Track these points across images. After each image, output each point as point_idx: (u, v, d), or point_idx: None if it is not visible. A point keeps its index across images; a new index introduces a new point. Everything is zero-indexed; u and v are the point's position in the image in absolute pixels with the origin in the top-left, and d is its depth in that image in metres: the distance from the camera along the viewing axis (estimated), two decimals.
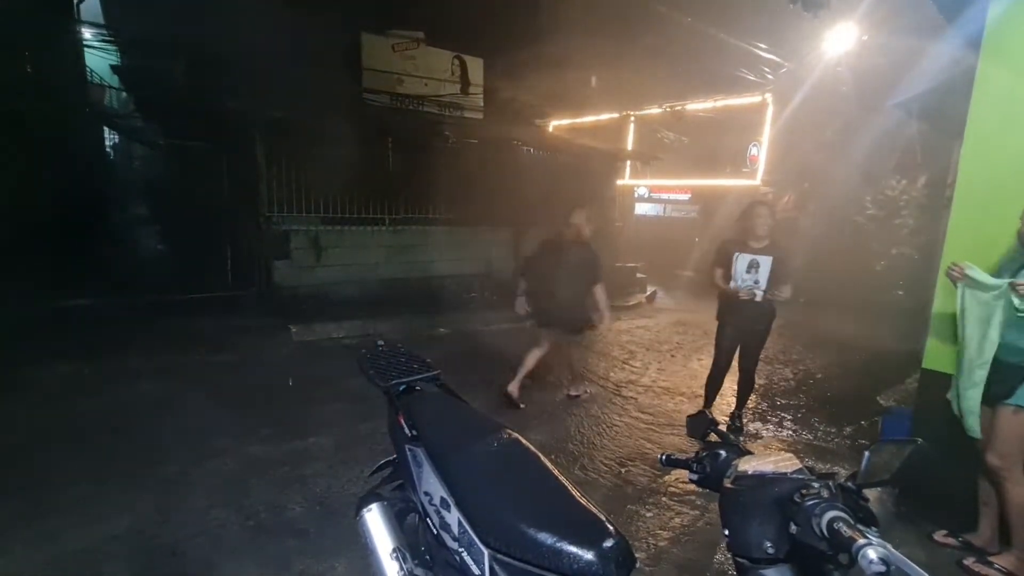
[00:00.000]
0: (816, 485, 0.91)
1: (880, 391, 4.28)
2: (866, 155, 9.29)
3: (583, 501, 1.21)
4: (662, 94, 10.92)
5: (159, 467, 2.97)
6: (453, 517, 1.32)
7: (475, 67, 9.57)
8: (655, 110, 11.25)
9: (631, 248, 11.33)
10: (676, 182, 12.85)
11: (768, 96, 9.62)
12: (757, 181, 10.07)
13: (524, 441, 1.43)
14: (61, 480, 2.78)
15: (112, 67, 7.93)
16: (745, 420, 4.07)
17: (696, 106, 10.55)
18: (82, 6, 8.22)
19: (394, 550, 1.51)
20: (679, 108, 10.71)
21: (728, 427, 3.92)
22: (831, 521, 0.83)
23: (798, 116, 9.80)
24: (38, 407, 3.67)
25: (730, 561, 1.03)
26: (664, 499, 2.91)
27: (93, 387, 4.00)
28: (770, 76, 10.32)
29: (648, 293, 9.42)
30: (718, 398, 4.09)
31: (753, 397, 4.60)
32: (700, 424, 1.35)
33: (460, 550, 1.30)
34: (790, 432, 3.96)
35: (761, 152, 9.86)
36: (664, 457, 1.32)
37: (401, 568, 1.47)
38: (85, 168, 8.04)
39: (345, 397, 3.98)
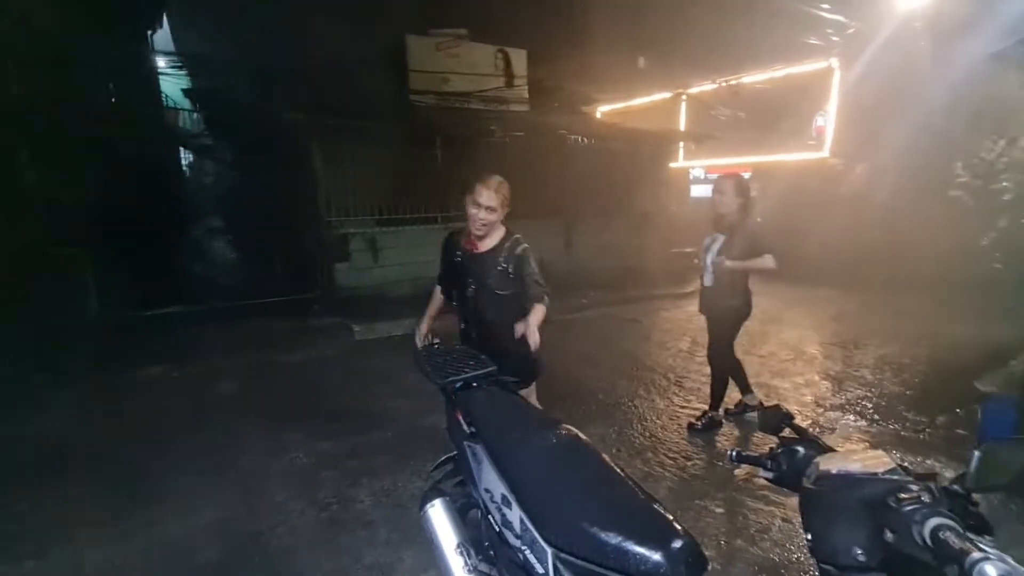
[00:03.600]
0: (915, 487, 0.82)
1: (978, 376, 3.87)
2: (951, 117, 8.41)
3: (648, 499, 1.16)
4: (716, 69, 10.38)
5: (241, 461, 3.17)
6: (515, 515, 1.31)
7: (518, 59, 9.51)
8: (709, 86, 10.72)
9: (687, 232, 10.90)
10: (734, 160, 12.21)
11: (834, 61, 8.92)
12: (825, 153, 9.38)
13: (583, 437, 1.40)
14: (157, 473, 3.04)
15: (184, 91, 8.52)
16: (719, 419, 3.58)
17: (754, 78, 9.96)
18: (155, 36, 8.89)
19: (458, 545, 1.53)
20: (735, 82, 10.15)
21: (689, 425, 3.54)
22: (936, 529, 0.73)
23: (869, 80, 9.01)
24: (134, 406, 4.03)
25: (811, 561, 0.95)
26: (735, 495, 2.78)
27: (180, 387, 4.34)
28: (836, 39, 9.54)
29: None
30: (792, 394, 3.85)
31: (829, 384, 4.31)
32: (773, 418, 1.26)
33: (523, 548, 1.29)
34: (872, 422, 3.66)
35: (828, 122, 9.17)
36: (734, 453, 1.24)
37: (466, 563, 1.49)
38: (165, 186, 8.71)
39: (406, 393, 4.09)
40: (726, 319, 3.41)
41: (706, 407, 3.62)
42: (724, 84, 10.29)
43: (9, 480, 2.97)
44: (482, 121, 8.18)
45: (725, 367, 3.54)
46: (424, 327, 2.63)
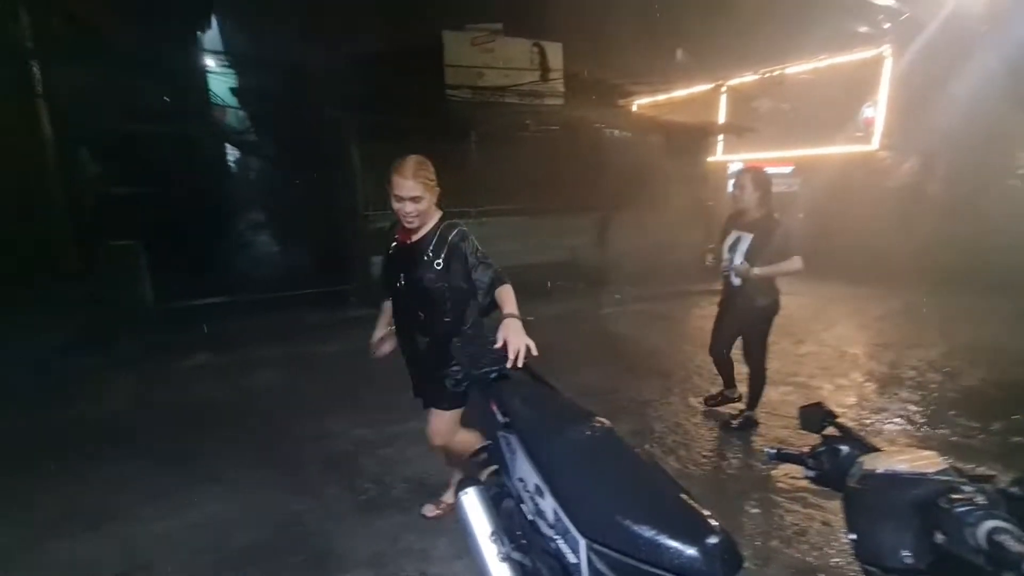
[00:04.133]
0: (969, 489, 0.79)
1: None
2: (1011, 104, 7.88)
3: (682, 495, 1.15)
4: (758, 59, 10.05)
5: (282, 446, 3.30)
6: (548, 504, 1.33)
7: (554, 52, 9.43)
8: (750, 77, 10.39)
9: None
10: (776, 154, 11.81)
11: (886, 49, 8.49)
12: (874, 146, 8.96)
13: (616, 431, 1.40)
14: (203, 455, 3.19)
15: (231, 89, 8.84)
16: (757, 419, 3.50)
17: (798, 68, 9.58)
18: (204, 36, 9.24)
19: (492, 533, 1.55)
20: (778, 73, 9.79)
21: (725, 423, 3.50)
22: (992, 532, 0.70)
23: (922, 68, 8.54)
24: (183, 391, 4.25)
25: (851, 565, 0.93)
26: (772, 496, 2.72)
27: (224, 375, 4.54)
28: (887, 26, 9.08)
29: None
30: (833, 395, 3.71)
31: (874, 386, 4.15)
32: (815, 416, 1.23)
33: (556, 537, 1.31)
34: (920, 426, 3.50)
35: (878, 113, 8.75)
36: (773, 451, 1.22)
37: (499, 551, 1.51)
38: (212, 182, 9.08)
39: None
40: (759, 319, 3.32)
41: (743, 406, 3.55)
42: (766, 75, 9.95)
43: (72, 457, 3.18)
44: (517, 115, 8.18)
45: (762, 367, 3.45)
46: (379, 332, 2.37)
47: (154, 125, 6.85)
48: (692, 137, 9.66)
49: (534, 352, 1.71)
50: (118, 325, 5.35)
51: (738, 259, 3.17)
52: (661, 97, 11.46)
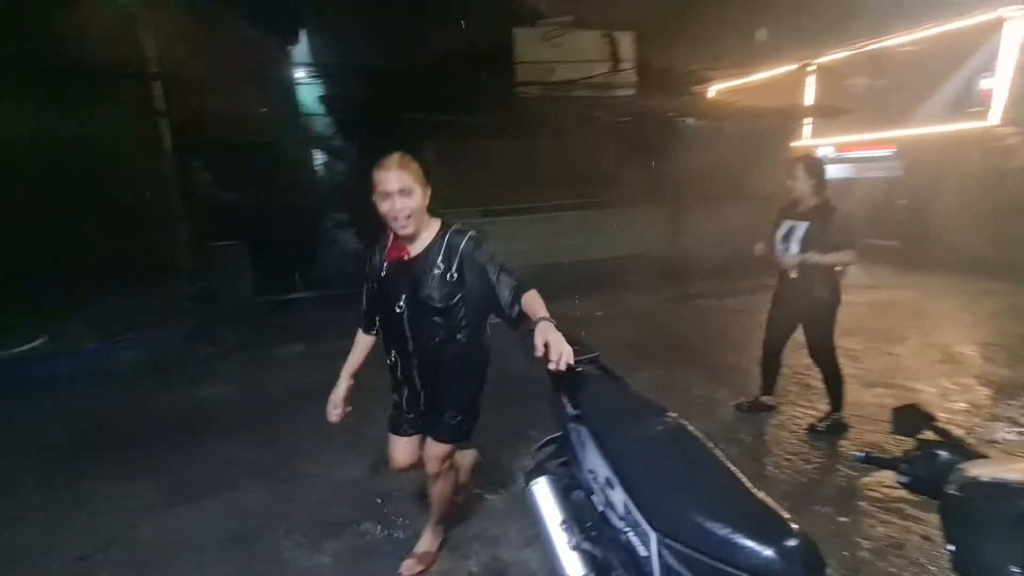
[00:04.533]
0: None
1: None
2: None
3: (760, 495, 1.12)
4: (851, 34, 9.23)
5: (368, 429, 3.52)
6: (618, 496, 1.34)
7: (625, 42, 9.23)
8: (842, 54, 9.56)
9: None
10: (873, 135, 10.78)
11: (1009, 10, 7.48)
12: (993, 121, 7.94)
13: (690, 427, 1.38)
14: (296, 436, 3.49)
15: (319, 98, 9.50)
16: (846, 422, 3.28)
17: (900, 40, 8.69)
18: (293, 50, 9.98)
19: (562, 522, 1.58)
20: (875, 47, 8.94)
21: (810, 427, 3.29)
22: None
23: None
24: (278, 378, 4.66)
25: None
26: (862, 504, 2.54)
27: (313, 363, 4.91)
28: None
29: (837, 269, 8.16)
30: (937, 400, 3.38)
31: (988, 391, 3.72)
32: (910, 418, 1.15)
33: (626, 529, 1.31)
34: None
35: (998, 85, 7.73)
36: (862, 454, 1.15)
37: (569, 540, 1.54)
38: (302, 185, 9.80)
39: (508, 375, 4.23)
40: (818, 314, 3.16)
41: (828, 408, 3.32)
42: (862, 50, 9.11)
43: (187, 435, 3.60)
44: (587, 108, 8.11)
45: (835, 365, 3.25)
46: (342, 389, 2.11)
47: (252, 135, 7.51)
48: (773, 122, 9.08)
49: (571, 361, 1.51)
50: (225, 317, 5.98)
51: (794, 248, 3.04)
52: (740, 81, 10.85)
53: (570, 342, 1.59)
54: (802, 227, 3.04)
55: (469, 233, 1.87)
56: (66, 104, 5.62)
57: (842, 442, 3.16)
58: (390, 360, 2.03)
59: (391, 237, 1.90)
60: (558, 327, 1.58)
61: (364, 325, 2.10)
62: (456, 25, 8.12)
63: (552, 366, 1.50)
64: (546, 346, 1.51)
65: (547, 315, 1.66)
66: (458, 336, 1.88)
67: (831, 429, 3.22)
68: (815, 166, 3.09)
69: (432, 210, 1.88)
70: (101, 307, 5.54)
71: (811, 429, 3.27)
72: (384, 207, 1.76)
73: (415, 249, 1.85)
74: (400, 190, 1.73)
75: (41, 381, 4.67)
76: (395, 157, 1.77)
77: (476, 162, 7.42)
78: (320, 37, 9.71)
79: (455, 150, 7.20)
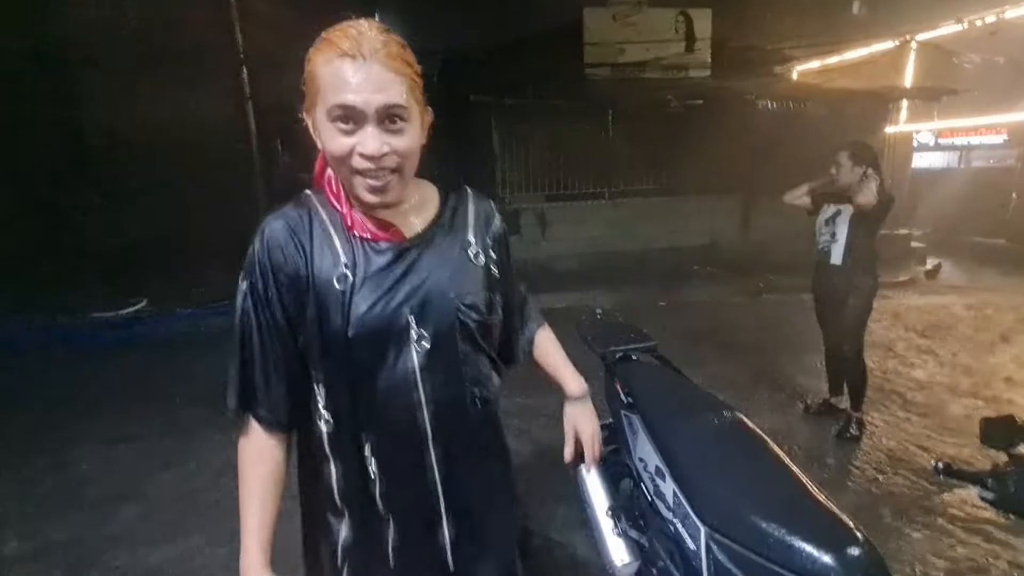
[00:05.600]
0: None
1: None
2: None
3: (822, 498, 1.07)
4: (962, 4, 8.26)
5: None
6: (668, 487, 1.33)
7: (702, 19, 8.75)
8: (952, 28, 8.59)
9: (904, 211, 9.05)
10: (983, 120, 9.67)
11: None
12: None
13: (750, 423, 1.33)
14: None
15: None
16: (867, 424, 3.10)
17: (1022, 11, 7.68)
18: None
19: (610, 508, 1.60)
20: (992, 19, 7.95)
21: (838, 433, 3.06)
22: None
23: None
24: None
25: None
26: (941, 521, 2.35)
27: None
28: None
29: (928, 267, 7.45)
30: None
31: None
32: (1004, 430, 1.05)
33: (675, 521, 1.30)
34: None
35: None
36: (942, 466, 1.07)
37: (616, 526, 1.55)
38: None
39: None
40: (861, 301, 2.95)
41: (849, 408, 3.15)
42: (977, 24, 8.14)
43: None
44: (658, 91, 7.82)
45: (860, 356, 3.05)
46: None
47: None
48: (864, 105, 8.34)
49: (598, 447, 1.19)
50: None
51: (840, 233, 2.89)
52: (829, 60, 10.04)
53: (627, 330, 1.56)
54: (848, 211, 2.89)
55: (489, 200, 1.06)
56: (167, 92, 6.17)
57: (920, 452, 2.92)
58: (344, 469, 0.90)
59: (344, 209, 0.89)
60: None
61: (267, 409, 0.88)
62: (524, 5, 8.05)
63: (583, 468, 1.22)
64: (577, 438, 1.12)
65: (577, 378, 1.16)
66: (494, 386, 1.01)
67: (847, 430, 3.06)
68: (863, 151, 2.90)
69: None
70: (195, 277, 6.10)
71: (839, 436, 3.08)
72: (338, 143, 0.79)
73: (413, 222, 0.92)
74: (386, 109, 0.78)
75: (142, 339, 5.30)
76: (366, 25, 0.80)
77: (542, 145, 7.39)
78: (392, 18, 9.98)
79: (522, 133, 7.19)
